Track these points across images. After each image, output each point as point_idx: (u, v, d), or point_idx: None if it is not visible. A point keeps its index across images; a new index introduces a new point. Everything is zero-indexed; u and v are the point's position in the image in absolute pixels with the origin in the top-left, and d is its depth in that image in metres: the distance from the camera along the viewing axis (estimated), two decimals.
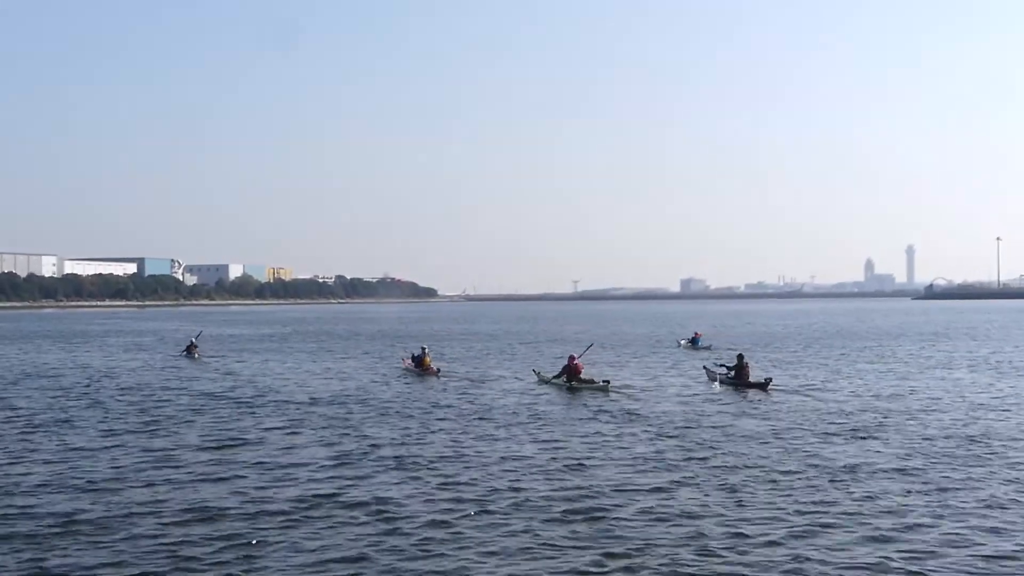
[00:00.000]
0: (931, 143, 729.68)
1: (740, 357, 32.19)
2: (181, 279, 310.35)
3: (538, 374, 34.71)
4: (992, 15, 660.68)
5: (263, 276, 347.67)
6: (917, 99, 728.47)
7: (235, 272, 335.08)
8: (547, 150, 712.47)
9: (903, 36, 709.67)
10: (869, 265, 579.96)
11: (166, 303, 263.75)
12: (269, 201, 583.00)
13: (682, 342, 57.38)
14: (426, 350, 37.77)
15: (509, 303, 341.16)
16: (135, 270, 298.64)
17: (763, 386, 29.94)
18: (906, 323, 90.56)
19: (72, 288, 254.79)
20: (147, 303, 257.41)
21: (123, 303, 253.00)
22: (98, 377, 35.34)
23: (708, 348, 53.50)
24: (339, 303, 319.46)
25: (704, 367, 36.30)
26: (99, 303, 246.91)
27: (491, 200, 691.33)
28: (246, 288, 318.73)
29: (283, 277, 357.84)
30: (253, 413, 23.89)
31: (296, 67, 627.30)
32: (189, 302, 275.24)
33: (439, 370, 36.14)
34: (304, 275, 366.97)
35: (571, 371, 30.99)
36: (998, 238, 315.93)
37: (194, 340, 50.47)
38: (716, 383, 31.16)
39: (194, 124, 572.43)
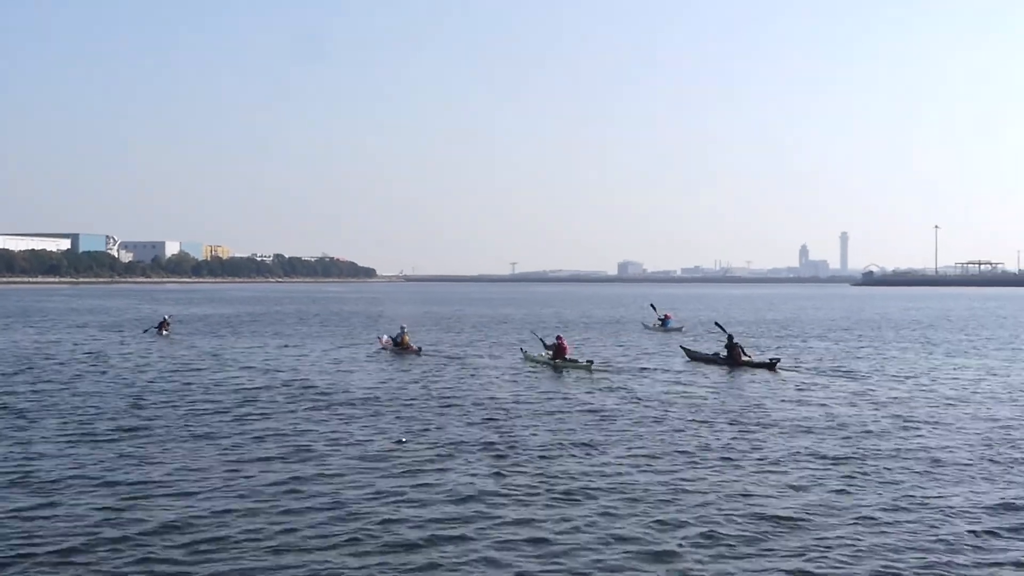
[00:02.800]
0: (863, 133, 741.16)
1: (730, 338, 33.01)
2: (116, 256, 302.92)
3: (525, 352, 35.63)
4: (922, 14, 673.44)
5: (200, 254, 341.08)
6: (851, 91, 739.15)
7: (171, 249, 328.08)
8: (485, 132, 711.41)
9: (844, 28, 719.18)
10: (804, 251, 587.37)
11: (101, 280, 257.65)
12: (206, 178, 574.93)
13: (651, 324, 57.32)
14: (405, 329, 38.15)
15: (448, 284, 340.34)
16: (69, 246, 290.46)
17: (770, 366, 30.56)
18: (895, 308, 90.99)
19: (3, 264, 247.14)
20: (81, 280, 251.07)
21: (56, 279, 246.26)
22: (111, 365, 32.51)
23: (679, 330, 53.35)
24: (277, 282, 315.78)
25: (681, 346, 37.27)
26: (31, 279, 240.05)
27: (428, 181, 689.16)
28: (183, 266, 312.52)
29: (220, 255, 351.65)
30: (292, 411, 21.58)
31: (233, 44, 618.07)
32: (124, 279, 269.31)
33: (420, 349, 36.60)
34: (242, 253, 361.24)
35: (558, 350, 32.01)
36: (936, 226, 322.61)
37: (166, 318, 50.84)
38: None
39: (130, 98, 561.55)
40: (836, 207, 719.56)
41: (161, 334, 47.55)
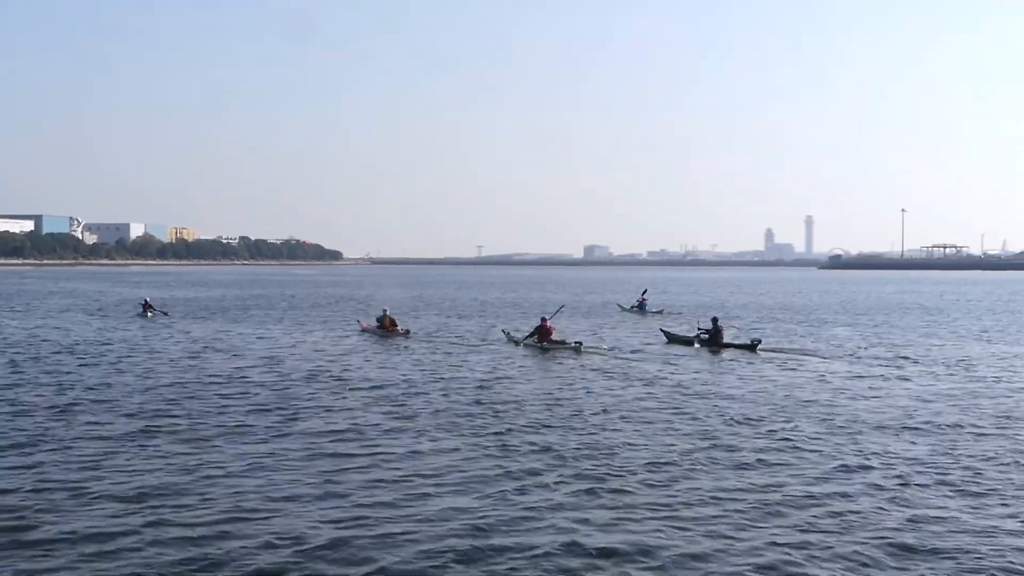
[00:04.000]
0: (828, 118, 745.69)
1: (715, 321, 33.37)
2: (80, 238, 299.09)
3: (508, 334, 35.57)
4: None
5: (165, 236, 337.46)
6: (816, 76, 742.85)
7: (136, 231, 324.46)
8: (451, 116, 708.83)
9: (810, 12, 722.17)
10: (769, 235, 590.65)
11: (65, 262, 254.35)
12: (171, 160, 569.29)
13: (627, 306, 57.33)
14: (387, 312, 38.36)
15: (416, 267, 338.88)
16: (32, 228, 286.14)
17: (751, 348, 31.05)
18: (885, 293, 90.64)
19: None
20: (45, 262, 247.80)
21: (20, 261, 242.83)
22: (119, 355, 30.53)
23: (659, 312, 53.44)
24: (243, 264, 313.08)
25: (661, 329, 37.65)
26: None
27: (394, 164, 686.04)
28: (148, 248, 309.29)
29: (186, 237, 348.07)
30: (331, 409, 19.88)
31: (196, 24, 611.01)
32: (88, 261, 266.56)
33: (408, 331, 36.52)
34: (207, 236, 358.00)
35: (542, 332, 31.89)
36: (903, 210, 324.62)
37: (148, 300, 50.54)
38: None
39: (95, 78, 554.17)
40: (801, 191, 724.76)
41: (146, 316, 47.24)
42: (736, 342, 32.50)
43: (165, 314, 48.87)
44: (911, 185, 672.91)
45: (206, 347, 32.48)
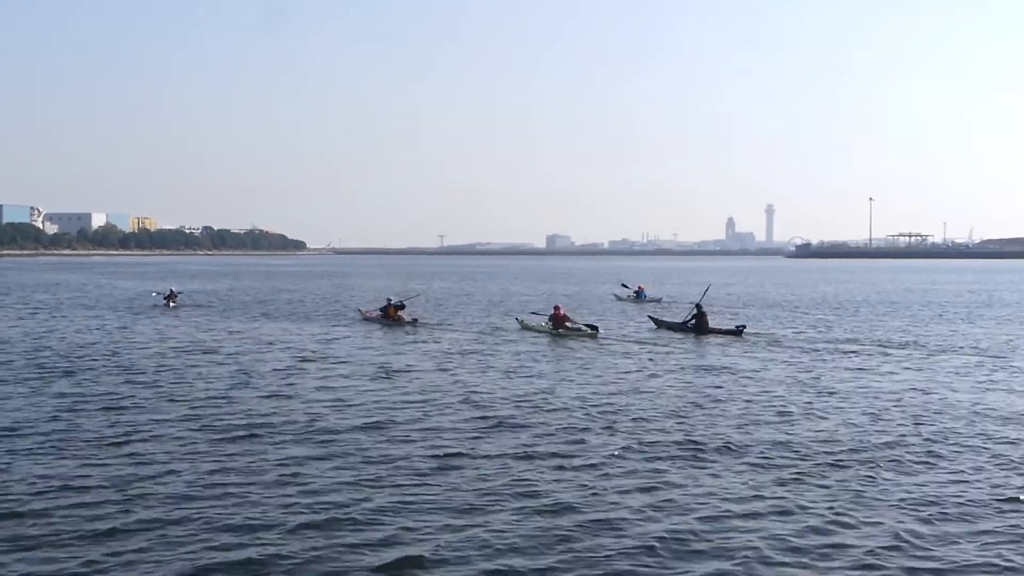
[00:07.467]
0: (788, 107, 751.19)
1: (698, 307, 34.16)
2: (41, 227, 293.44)
3: (521, 321, 35.88)
4: None
5: (127, 226, 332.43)
6: (778, 65, 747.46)
7: (98, 221, 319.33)
8: (412, 104, 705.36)
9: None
10: (730, 223, 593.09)
11: (26, 252, 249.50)
12: (132, 149, 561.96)
13: (624, 296, 57.54)
14: (392, 301, 38.48)
15: (379, 256, 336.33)
16: None
17: (737, 333, 32.36)
18: (899, 282, 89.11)
19: None
20: (5, 252, 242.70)
21: None
22: (182, 362, 26.69)
23: (657, 301, 53.86)
24: (207, 254, 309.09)
25: (649, 316, 39.17)
26: None
27: (355, 153, 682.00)
28: (110, 238, 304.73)
29: (148, 227, 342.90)
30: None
31: (160, 14, 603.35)
32: (50, 252, 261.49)
33: (415, 320, 36.60)
34: (169, 225, 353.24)
35: (557, 319, 32.49)
36: (871, 199, 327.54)
37: (173, 290, 51.60)
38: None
39: (55, 66, 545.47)
40: (761, 181, 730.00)
41: (168, 306, 48.02)
42: (722, 328, 33.74)
43: (197, 305, 49.58)
44: (871, 174, 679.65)
45: (304, 358, 26.68)
